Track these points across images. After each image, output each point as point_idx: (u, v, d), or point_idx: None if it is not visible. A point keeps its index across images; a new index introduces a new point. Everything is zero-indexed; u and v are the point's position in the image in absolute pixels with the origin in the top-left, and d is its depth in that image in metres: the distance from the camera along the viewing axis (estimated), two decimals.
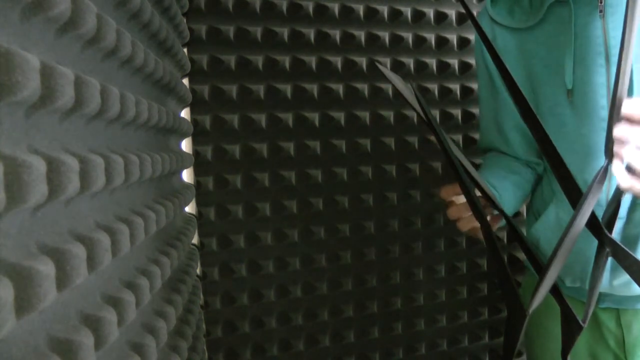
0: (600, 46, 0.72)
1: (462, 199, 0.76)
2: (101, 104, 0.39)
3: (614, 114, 0.59)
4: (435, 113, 1.11)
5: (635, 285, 0.67)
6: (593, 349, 0.84)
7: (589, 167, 0.75)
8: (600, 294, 0.81)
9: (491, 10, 0.83)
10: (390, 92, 1.07)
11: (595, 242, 0.66)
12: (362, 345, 1.10)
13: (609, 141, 0.60)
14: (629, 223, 0.74)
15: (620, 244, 0.61)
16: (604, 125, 0.72)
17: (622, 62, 0.57)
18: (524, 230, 1.20)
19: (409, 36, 1.08)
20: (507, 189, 0.84)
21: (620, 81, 0.58)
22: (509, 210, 0.85)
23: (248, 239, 1.01)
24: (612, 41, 0.71)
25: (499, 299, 1.19)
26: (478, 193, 0.66)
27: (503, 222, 0.79)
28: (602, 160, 0.70)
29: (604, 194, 0.74)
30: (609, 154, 0.61)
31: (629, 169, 0.58)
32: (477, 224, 0.75)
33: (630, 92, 0.71)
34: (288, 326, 1.05)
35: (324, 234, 1.05)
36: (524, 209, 1.20)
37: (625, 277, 0.74)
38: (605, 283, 0.77)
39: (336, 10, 1.03)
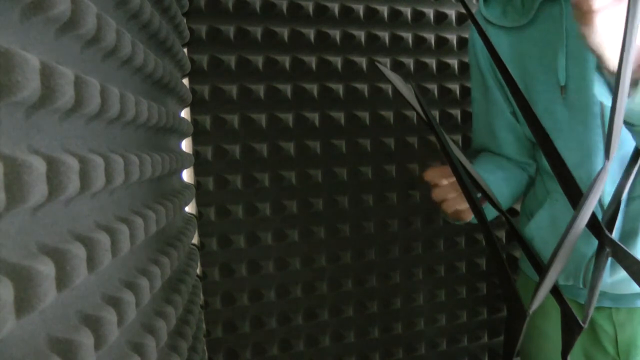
0: None
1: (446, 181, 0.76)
2: (101, 104, 0.39)
3: (615, 116, 0.59)
4: (435, 113, 1.11)
5: (632, 283, 0.66)
6: (587, 348, 0.84)
7: (584, 164, 0.75)
8: None
9: (484, 10, 0.84)
10: (390, 92, 1.07)
11: (591, 239, 0.66)
12: (362, 345, 1.10)
13: (609, 141, 0.60)
14: (625, 217, 0.74)
15: (620, 244, 0.61)
16: (598, 121, 0.73)
17: (622, 65, 0.57)
18: None
19: (408, 36, 1.08)
20: (492, 182, 0.83)
21: (620, 82, 0.58)
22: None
23: (248, 239, 1.01)
24: None
25: (498, 298, 1.19)
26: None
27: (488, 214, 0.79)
28: (597, 157, 0.70)
29: (606, 192, 0.74)
30: (608, 154, 0.61)
31: None
32: (461, 207, 0.75)
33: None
34: (288, 326, 1.05)
35: (324, 234, 1.05)
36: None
37: (622, 273, 0.74)
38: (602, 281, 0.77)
39: (336, 10, 1.03)
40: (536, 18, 0.78)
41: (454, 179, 0.77)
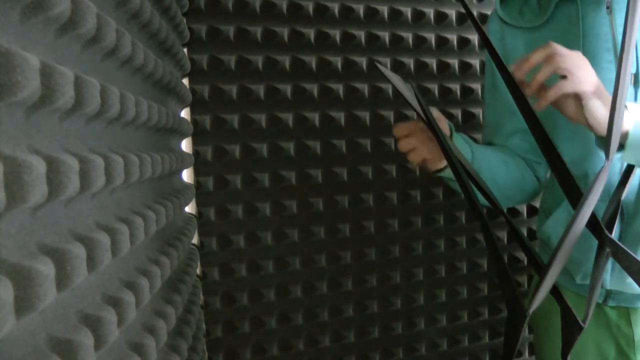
0: (608, 42, 0.73)
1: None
2: (101, 104, 0.39)
3: (615, 114, 0.59)
4: None
5: None
6: (601, 346, 0.85)
7: (585, 161, 0.75)
8: (611, 292, 0.81)
9: (500, 11, 0.84)
10: (390, 92, 1.07)
11: None
12: (362, 345, 1.10)
13: (609, 141, 0.60)
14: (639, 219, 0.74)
15: (620, 244, 0.62)
16: None
17: (622, 65, 0.57)
18: (524, 231, 1.20)
19: (409, 36, 1.08)
20: (485, 155, 0.83)
21: (620, 82, 0.58)
22: (485, 177, 0.84)
23: (248, 239, 1.01)
24: (621, 37, 0.71)
25: (499, 299, 1.19)
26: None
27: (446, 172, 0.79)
28: (600, 156, 0.70)
29: (613, 178, 0.74)
30: (608, 154, 0.61)
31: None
32: (427, 156, 0.76)
33: (636, 87, 0.71)
34: (288, 326, 1.05)
35: (324, 234, 1.05)
36: (524, 209, 1.20)
37: None
38: (616, 281, 0.78)
39: (336, 10, 1.03)
40: (552, 18, 0.78)
41: (419, 130, 0.78)
